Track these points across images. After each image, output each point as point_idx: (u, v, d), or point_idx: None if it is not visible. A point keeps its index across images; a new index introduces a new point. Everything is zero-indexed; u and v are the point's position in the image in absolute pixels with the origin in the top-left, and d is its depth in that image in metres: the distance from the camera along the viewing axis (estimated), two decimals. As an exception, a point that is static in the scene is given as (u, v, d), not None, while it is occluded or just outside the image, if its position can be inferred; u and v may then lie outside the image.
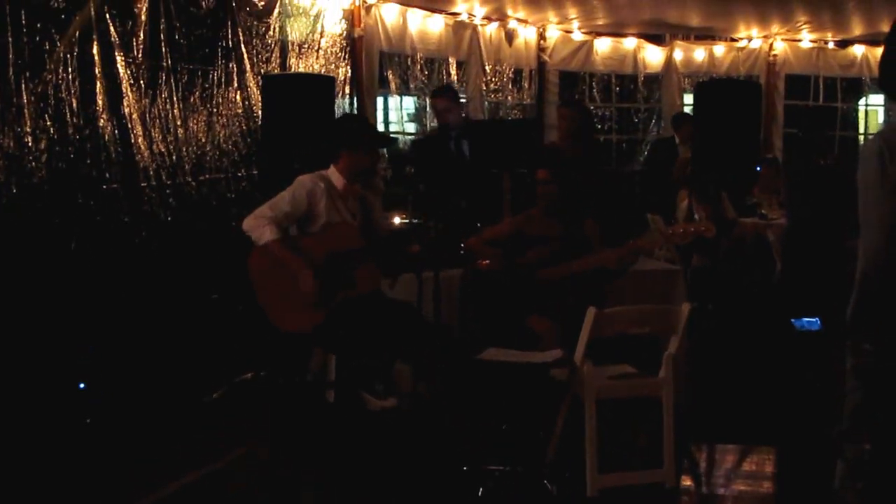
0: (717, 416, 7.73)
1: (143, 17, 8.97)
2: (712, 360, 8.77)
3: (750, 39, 15.16)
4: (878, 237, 4.26)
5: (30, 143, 7.80)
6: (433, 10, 12.89)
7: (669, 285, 8.48)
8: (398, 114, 13.35)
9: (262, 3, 10.45)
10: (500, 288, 7.55)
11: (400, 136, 13.23)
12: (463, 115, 10.33)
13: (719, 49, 15.42)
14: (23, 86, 7.74)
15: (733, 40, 15.35)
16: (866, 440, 4.57)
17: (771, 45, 15.18)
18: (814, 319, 9.54)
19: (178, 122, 9.36)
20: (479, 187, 9.31)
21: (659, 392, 6.33)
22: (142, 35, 8.95)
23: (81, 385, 7.53)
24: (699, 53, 15.47)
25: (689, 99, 15.25)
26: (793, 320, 9.61)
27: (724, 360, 8.93)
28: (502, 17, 13.85)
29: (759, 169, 12.56)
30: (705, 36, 15.29)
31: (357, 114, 11.66)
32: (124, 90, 8.73)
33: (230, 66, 10.02)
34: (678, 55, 15.50)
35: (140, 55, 8.92)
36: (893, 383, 4.37)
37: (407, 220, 8.99)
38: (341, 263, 6.96)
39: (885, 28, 4.38)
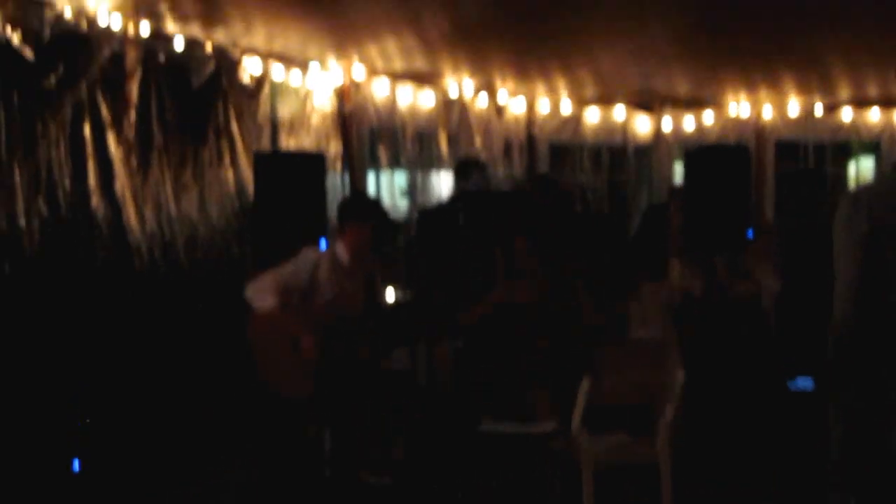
0: (715, 482, 7.70)
1: (135, 97, 9.05)
2: (708, 425, 8.74)
3: (738, 106, 15.20)
4: (845, 292, 4.38)
5: (23, 223, 7.82)
6: (423, 85, 12.95)
7: (663, 353, 8.46)
8: (390, 189, 13.37)
9: (253, 82, 10.51)
10: (494, 359, 7.55)
11: (392, 211, 13.26)
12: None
13: (708, 118, 15.45)
14: (15, 165, 7.78)
15: (722, 108, 15.39)
16: (851, 491, 4.60)
17: (759, 111, 15.22)
18: (808, 379, 9.53)
19: (171, 201, 9.39)
20: (475, 258, 9.32)
21: (656, 459, 6.32)
22: (133, 114, 9.01)
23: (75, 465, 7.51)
24: (688, 122, 15.49)
25: (679, 168, 15.26)
26: (787, 381, 9.60)
27: (719, 425, 8.90)
28: (492, 92, 13.89)
29: (750, 235, 12.57)
30: (694, 104, 15.32)
31: (361, 191, 11.72)
32: (116, 169, 8.77)
33: (221, 144, 10.06)
34: (667, 124, 15.51)
35: (132, 134, 8.97)
36: (872, 432, 4.43)
37: (401, 293, 9.00)
38: (341, 335, 6.97)
39: (873, 91, 4.47)
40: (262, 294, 6.97)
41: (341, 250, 7.34)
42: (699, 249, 10.49)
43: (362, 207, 7.64)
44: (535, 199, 9.71)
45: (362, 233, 7.35)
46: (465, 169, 10.21)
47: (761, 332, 10.67)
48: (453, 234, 9.72)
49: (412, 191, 13.60)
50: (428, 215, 10.52)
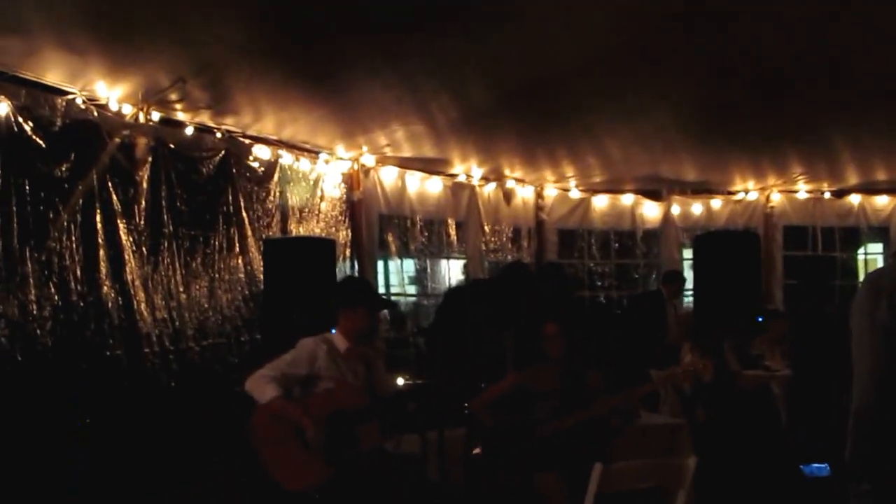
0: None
1: (145, 185, 9.10)
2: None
3: (747, 192, 15.22)
4: (866, 380, 4.33)
5: (34, 310, 7.84)
6: (431, 172, 13.00)
7: (674, 439, 8.43)
8: (399, 276, 13.37)
9: (262, 168, 10.59)
10: (504, 447, 7.50)
11: (401, 299, 13.26)
12: None
13: (716, 202, 15.47)
14: (27, 253, 7.82)
15: (730, 193, 15.42)
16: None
17: (768, 196, 15.25)
18: (823, 465, 9.47)
19: (181, 288, 9.42)
20: (484, 344, 9.31)
21: (668, 546, 6.26)
22: (143, 202, 9.07)
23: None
24: (696, 207, 15.51)
25: (687, 253, 15.29)
26: (802, 467, 9.53)
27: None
28: (500, 178, 13.96)
29: (760, 320, 12.55)
30: (702, 190, 15.36)
31: (357, 276, 11.70)
32: (127, 257, 8.82)
33: (231, 231, 10.12)
34: (676, 210, 15.54)
35: (142, 222, 9.03)
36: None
37: (410, 381, 8.96)
38: (344, 421, 6.90)
39: (881, 176, 4.48)
40: (261, 387, 6.89)
41: (338, 338, 7.28)
42: (709, 334, 10.46)
43: (352, 291, 7.57)
44: (543, 285, 9.72)
45: (356, 317, 7.30)
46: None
47: (772, 418, 10.62)
48: (465, 319, 9.71)
49: (421, 278, 13.61)
50: (449, 297, 10.52)
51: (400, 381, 8.91)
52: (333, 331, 7.31)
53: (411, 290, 13.74)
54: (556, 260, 14.82)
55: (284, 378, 6.95)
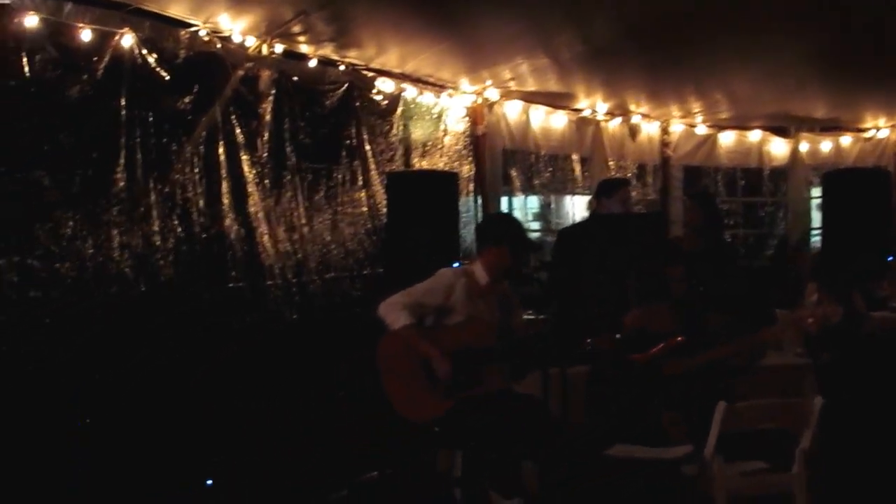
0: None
1: (268, 118, 9.11)
2: (846, 455, 8.51)
3: (878, 129, 14.85)
4: None
5: (158, 242, 7.92)
6: (556, 107, 12.86)
7: (799, 380, 8.29)
8: (522, 212, 13.30)
9: (385, 101, 10.54)
10: (626, 384, 7.43)
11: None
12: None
13: (846, 140, 15.14)
14: (151, 186, 7.88)
15: (860, 130, 15.07)
16: None
17: (899, 132, 14.91)
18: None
19: (303, 221, 9.44)
20: (610, 280, 9.19)
21: (791, 487, 6.16)
22: (266, 135, 9.09)
23: (209, 482, 7.54)
24: (825, 145, 15.18)
25: (815, 191, 15.00)
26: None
27: (858, 455, 8.66)
28: (625, 113, 13.78)
29: (890, 260, 12.28)
30: (831, 127, 15.03)
31: (501, 212, 11.69)
32: (249, 189, 8.85)
33: (354, 164, 10.11)
34: (804, 147, 15.23)
35: (265, 155, 9.06)
36: None
37: (532, 317, 8.90)
38: (472, 360, 6.86)
39: None
40: (394, 312, 6.83)
41: (479, 272, 7.21)
42: (837, 275, 10.24)
43: (502, 229, 7.47)
44: (693, 213, 9.57)
45: (501, 255, 7.20)
46: (610, 186, 10.05)
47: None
48: (589, 255, 9.59)
49: (545, 213, 13.53)
50: (565, 235, 10.38)
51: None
52: (457, 264, 7.26)
53: (535, 226, 13.66)
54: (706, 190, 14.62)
55: (419, 306, 6.90)
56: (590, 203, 12.55)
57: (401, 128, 10.76)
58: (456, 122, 11.61)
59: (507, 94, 12.06)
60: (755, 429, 6.33)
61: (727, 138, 15.04)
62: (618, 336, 7.49)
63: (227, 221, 8.61)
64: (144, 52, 7.91)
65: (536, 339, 7.34)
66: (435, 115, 11.33)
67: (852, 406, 9.21)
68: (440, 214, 9.62)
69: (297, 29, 8.97)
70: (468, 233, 10.91)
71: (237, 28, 8.72)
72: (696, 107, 13.87)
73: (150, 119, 7.95)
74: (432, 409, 6.74)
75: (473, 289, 7.09)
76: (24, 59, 7.02)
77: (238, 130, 8.79)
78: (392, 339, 6.84)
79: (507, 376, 7.07)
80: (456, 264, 7.29)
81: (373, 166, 10.31)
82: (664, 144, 14.73)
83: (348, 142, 10.08)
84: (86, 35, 7.49)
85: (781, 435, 6.60)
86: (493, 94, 11.83)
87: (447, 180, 10.30)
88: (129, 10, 7.81)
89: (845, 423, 8.51)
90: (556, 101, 12.73)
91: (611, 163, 13.83)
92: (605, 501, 6.94)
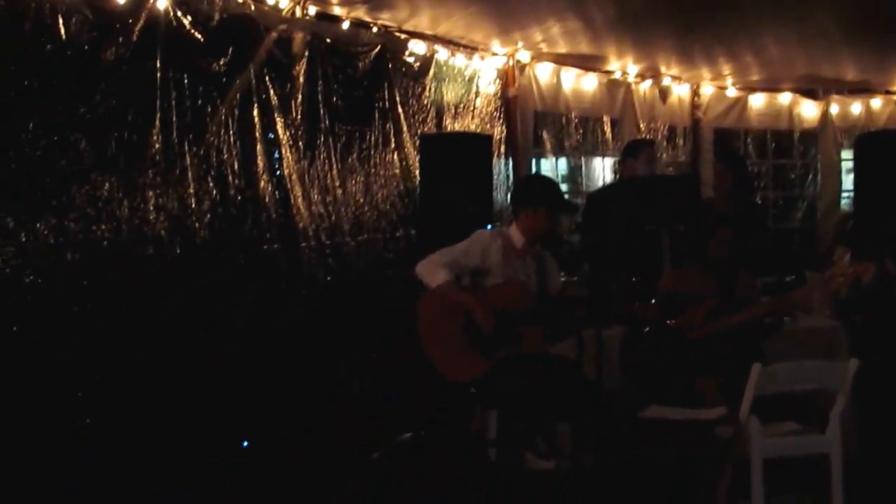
0: (887, 474, 7.48)
1: (302, 80, 9.11)
2: (881, 417, 8.51)
3: (909, 89, 14.81)
4: None
5: (193, 204, 7.94)
6: (587, 69, 12.84)
7: (831, 342, 8.27)
8: (553, 174, 13.27)
9: (418, 64, 10.54)
10: (660, 346, 7.44)
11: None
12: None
13: (876, 102, 15.06)
14: (186, 148, 7.90)
15: (889, 93, 14.98)
16: None
17: (930, 94, 14.83)
18: None
19: (337, 183, 9.46)
20: (642, 243, 9.18)
21: (827, 450, 6.17)
22: (300, 97, 9.08)
23: (245, 443, 7.60)
24: (856, 107, 15.11)
25: (846, 154, 14.94)
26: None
27: (891, 417, 8.66)
28: (656, 75, 13.74)
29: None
30: (861, 89, 14.94)
31: (538, 174, 11.71)
32: (283, 152, 8.86)
33: (387, 126, 10.11)
34: (834, 109, 15.17)
35: (299, 117, 9.06)
36: None
37: (564, 278, 8.91)
38: (510, 321, 6.87)
39: None
40: (433, 270, 6.83)
41: (515, 234, 7.21)
42: (869, 237, 10.22)
43: (539, 191, 7.45)
44: (723, 175, 9.57)
45: (538, 217, 7.19)
46: (635, 147, 10.03)
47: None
48: (618, 218, 9.58)
49: (575, 176, 13.52)
50: (594, 199, 10.37)
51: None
52: (492, 227, 7.27)
53: (565, 187, 13.65)
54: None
55: (456, 265, 6.91)
56: (616, 166, 12.58)
57: (433, 90, 10.76)
58: (487, 85, 11.60)
59: (539, 57, 12.04)
60: (789, 391, 6.35)
61: (758, 101, 14.99)
62: (653, 301, 7.51)
63: (262, 184, 8.62)
64: (179, 14, 7.90)
65: (575, 302, 7.36)
66: (467, 78, 11.32)
67: (885, 368, 9.21)
68: (473, 177, 9.61)
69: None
70: (499, 195, 10.93)
71: (271, -10, 8.73)
72: (726, 69, 13.82)
73: (185, 82, 7.95)
74: (473, 368, 6.76)
75: (510, 251, 7.10)
76: (61, 22, 7.01)
77: (272, 93, 8.78)
78: (431, 299, 6.86)
79: (545, 338, 7.08)
80: (489, 227, 7.27)
81: (405, 128, 10.31)
82: (695, 107, 14.70)
83: (381, 104, 10.07)
84: (121, -3, 7.51)
85: (808, 396, 6.63)
86: (524, 56, 11.81)
87: (481, 142, 10.28)
88: (164, -30, 7.82)
89: (878, 385, 8.52)
90: (587, 63, 12.70)
91: (641, 125, 13.80)
92: (639, 463, 6.96)
